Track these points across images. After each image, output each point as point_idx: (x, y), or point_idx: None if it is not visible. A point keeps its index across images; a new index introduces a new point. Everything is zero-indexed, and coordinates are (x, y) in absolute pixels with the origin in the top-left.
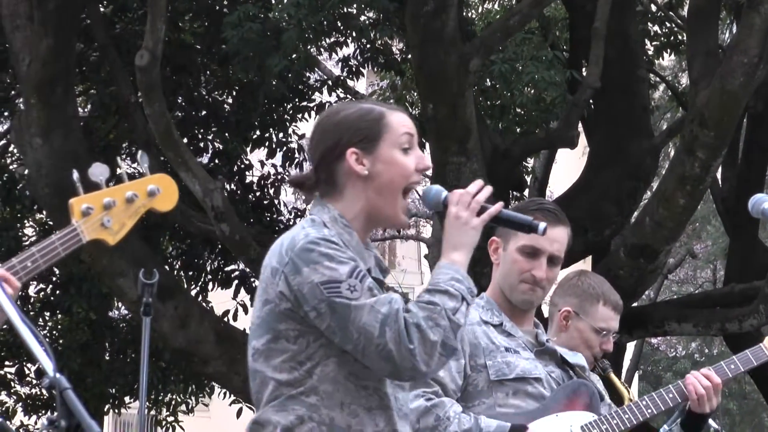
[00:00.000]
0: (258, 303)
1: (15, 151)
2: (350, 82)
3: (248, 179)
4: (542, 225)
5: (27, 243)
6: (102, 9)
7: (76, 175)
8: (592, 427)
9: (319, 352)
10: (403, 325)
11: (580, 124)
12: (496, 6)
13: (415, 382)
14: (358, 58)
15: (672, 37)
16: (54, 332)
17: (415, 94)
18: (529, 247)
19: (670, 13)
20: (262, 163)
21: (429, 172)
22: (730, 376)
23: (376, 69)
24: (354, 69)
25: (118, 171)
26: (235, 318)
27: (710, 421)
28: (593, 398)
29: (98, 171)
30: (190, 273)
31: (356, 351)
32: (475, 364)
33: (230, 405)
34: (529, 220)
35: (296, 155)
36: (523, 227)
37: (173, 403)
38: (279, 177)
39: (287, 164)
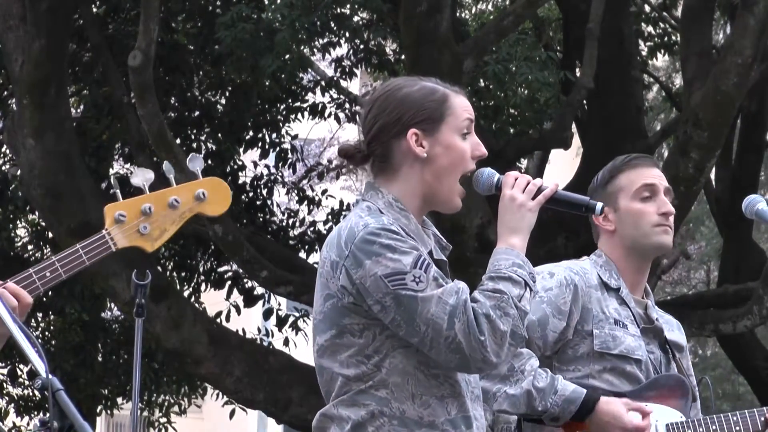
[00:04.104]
0: (319, 298)
1: (7, 151)
2: (343, 83)
3: (241, 180)
4: (599, 205)
5: (20, 244)
6: (95, 10)
7: (114, 180)
8: (678, 428)
9: (386, 344)
10: (472, 316)
11: (573, 125)
12: (489, 6)
13: (483, 373)
14: (352, 58)
15: (666, 38)
16: (46, 333)
17: None
18: (646, 189)
19: (664, 13)
20: (255, 164)
21: None
22: None
23: (369, 69)
24: (347, 69)
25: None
26: (228, 319)
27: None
28: (687, 399)
29: (141, 176)
30: (183, 274)
31: (423, 344)
32: (582, 329)
33: (223, 406)
34: (586, 200)
35: (289, 156)
36: (579, 207)
37: (166, 404)
38: (272, 178)
39: (280, 165)
